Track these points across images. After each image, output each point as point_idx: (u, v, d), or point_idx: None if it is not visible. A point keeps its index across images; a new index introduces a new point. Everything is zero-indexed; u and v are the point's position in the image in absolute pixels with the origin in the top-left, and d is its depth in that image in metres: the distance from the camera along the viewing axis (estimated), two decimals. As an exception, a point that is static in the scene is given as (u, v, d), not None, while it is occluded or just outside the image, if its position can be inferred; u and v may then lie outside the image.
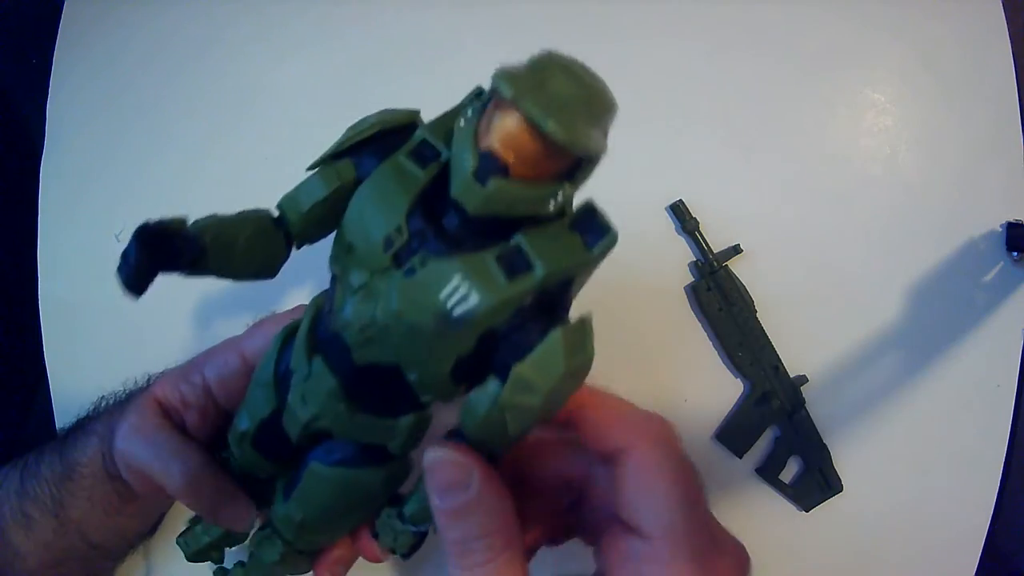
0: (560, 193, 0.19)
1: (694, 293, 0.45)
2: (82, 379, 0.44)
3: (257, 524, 0.32)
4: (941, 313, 0.44)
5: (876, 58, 0.46)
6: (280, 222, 0.26)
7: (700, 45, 0.47)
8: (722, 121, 0.46)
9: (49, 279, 0.51)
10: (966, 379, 0.44)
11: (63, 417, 0.48)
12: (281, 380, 0.26)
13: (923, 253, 0.45)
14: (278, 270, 0.27)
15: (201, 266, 0.24)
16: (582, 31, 0.48)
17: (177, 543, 0.33)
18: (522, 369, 0.19)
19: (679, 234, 0.46)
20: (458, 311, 0.19)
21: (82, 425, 0.39)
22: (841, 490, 0.44)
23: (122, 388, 0.42)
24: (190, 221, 0.24)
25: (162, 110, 0.52)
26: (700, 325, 0.46)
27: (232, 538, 0.33)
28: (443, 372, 0.21)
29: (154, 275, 0.23)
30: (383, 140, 0.24)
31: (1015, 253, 0.44)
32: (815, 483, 0.44)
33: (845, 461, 0.44)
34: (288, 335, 0.27)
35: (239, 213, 0.26)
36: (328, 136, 0.25)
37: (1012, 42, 0.45)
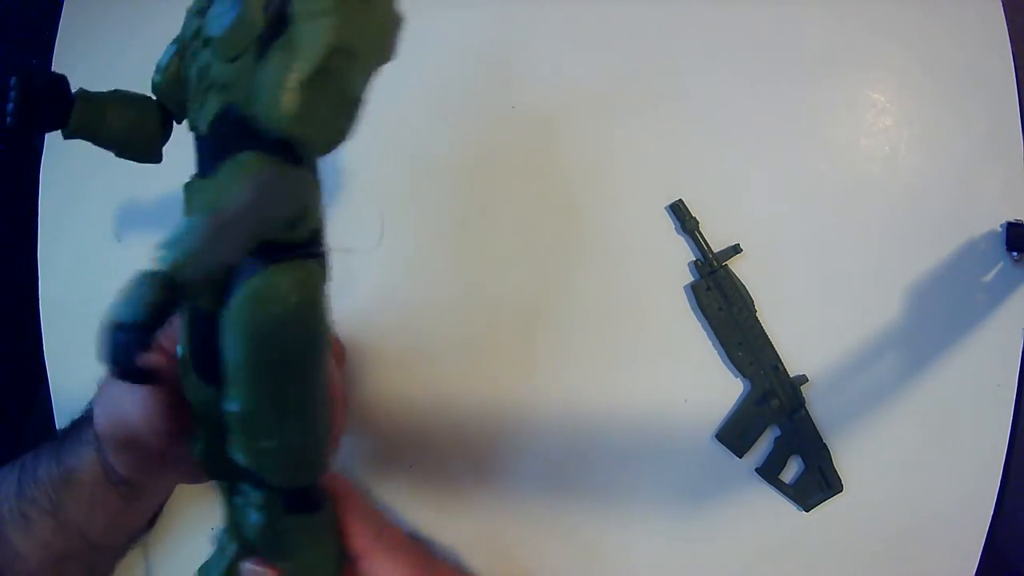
0: None
1: (694, 293, 0.45)
2: (82, 379, 0.44)
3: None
4: (941, 313, 0.44)
5: (876, 58, 0.46)
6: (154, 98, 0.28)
7: (700, 45, 0.47)
8: (722, 121, 0.46)
9: (49, 280, 0.51)
10: (966, 379, 0.44)
11: (63, 417, 0.47)
12: None
13: (923, 253, 0.45)
14: (160, 148, 0.30)
15: (76, 123, 0.27)
16: (582, 31, 0.48)
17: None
18: None
19: (679, 234, 0.46)
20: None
21: (77, 426, 0.39)
22: (841, 490, 0.44)
23: None
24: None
25: (162, 110, 0.52)
26: (700, 325, 0.46)
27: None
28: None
29: (33, 121, 0.26)
30: None
31: (1015, 253, 0.44)
32: (815, 483, 0.44)
33: (845, 461, 0.44)
34: None
35: None
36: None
37: (1012, 42, 0.45)
